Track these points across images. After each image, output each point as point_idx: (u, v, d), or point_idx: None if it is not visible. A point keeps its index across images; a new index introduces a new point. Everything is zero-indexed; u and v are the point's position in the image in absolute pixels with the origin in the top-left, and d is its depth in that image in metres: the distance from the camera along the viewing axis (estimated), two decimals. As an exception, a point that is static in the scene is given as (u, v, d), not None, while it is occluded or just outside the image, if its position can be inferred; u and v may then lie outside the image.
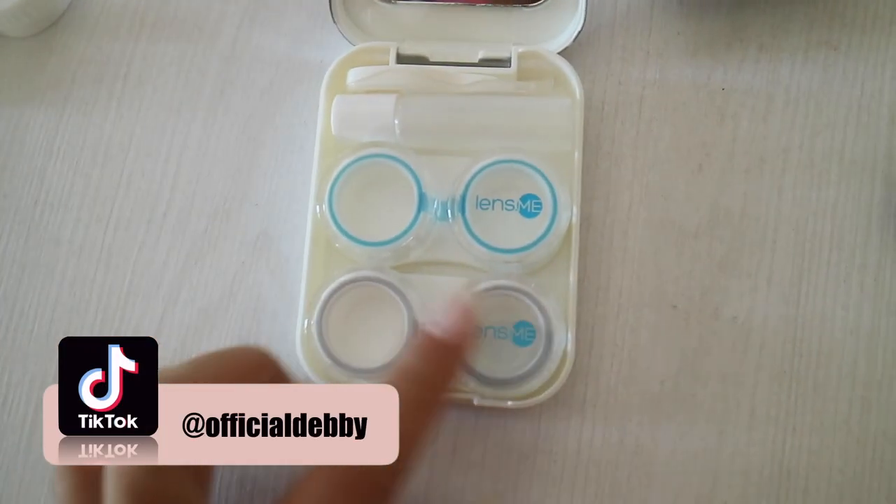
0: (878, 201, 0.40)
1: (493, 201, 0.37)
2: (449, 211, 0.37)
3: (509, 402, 0.36)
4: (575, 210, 0.37)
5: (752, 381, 0.38)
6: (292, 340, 0.38)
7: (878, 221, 0.39)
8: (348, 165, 0.37)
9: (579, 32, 0.39)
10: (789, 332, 0.39)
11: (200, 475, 0.29)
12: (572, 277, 0.37)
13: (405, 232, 0.37)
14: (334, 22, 0.40)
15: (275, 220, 0.41)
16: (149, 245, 0.41)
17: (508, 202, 0.37)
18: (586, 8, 0.39)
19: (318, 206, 0.38)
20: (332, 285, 0.37)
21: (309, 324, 0.37)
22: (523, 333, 0.37)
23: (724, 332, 0.39)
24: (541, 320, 0.36)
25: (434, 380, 0.32)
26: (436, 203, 0.37)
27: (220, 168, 0.42)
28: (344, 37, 0.40)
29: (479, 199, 0.37)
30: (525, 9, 0.40)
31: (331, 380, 0.37)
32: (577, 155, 0.38)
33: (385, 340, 0.37)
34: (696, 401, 0.38)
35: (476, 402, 0.36)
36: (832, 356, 0.38)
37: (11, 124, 0.43)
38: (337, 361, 0.36)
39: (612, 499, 0.37)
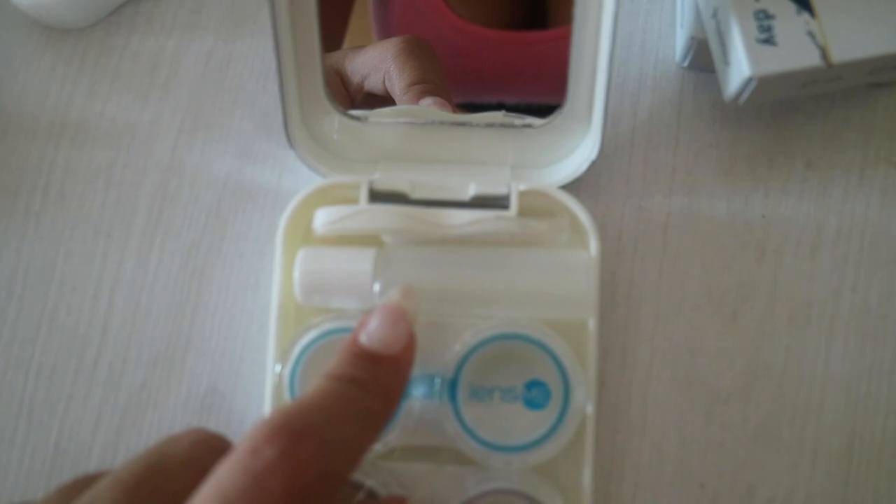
0: (944, 355, 0.33)
1: (492, 390, 0.31)
2: (436, 391, 0.30)
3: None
4: (590, 402, 0.31)
5: (790, 574, 0.32)
6: None
7: (944, 381, 0.33)
8: (314, 340, 0.31)
9: (594, 161, 0.32)
10: (834, 512, 0.33)
11: None
12: (587, 479, 0.31)
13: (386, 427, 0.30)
14: (291, 146, 0.33)
15: (226, 374, 0.35)
16: (77, 399, 0.35)
17: (509, 391, 0.31)
18: (603, 127, 0.31)
19: (279, 374, 0.31)
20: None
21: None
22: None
23: (759, 516, 0.33)
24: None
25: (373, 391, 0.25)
26: (423, 382, 0.31)
27: (160, 306, 0.35)
28: (304, 163, 0.33)
29: (475, 388, 0.31)
30: (526, 129, 0.33)
31: None
32: (593, 325, 0.31)
33: None
34: None
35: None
36: None
37: None
38: None
39: None
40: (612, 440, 0.33)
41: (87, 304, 0.35)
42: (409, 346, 0.26)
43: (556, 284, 0.31)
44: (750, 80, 0.30)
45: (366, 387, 0.24)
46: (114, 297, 0.35)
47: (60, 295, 0.36)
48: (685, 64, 0.35)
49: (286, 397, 0.31)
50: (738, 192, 0.35)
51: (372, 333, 0.26)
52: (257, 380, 0.34)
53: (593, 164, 0.32)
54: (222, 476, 0.21)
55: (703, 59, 0.34)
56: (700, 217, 0.34)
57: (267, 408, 0.32)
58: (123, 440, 0.34)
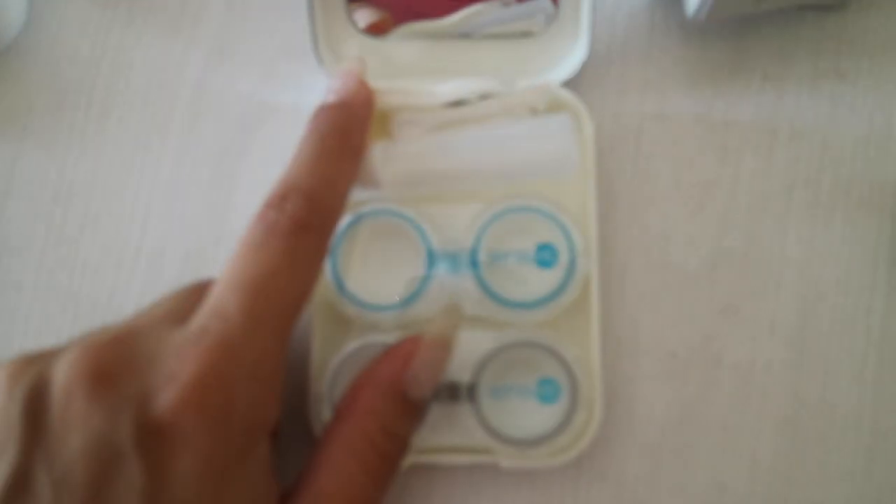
0: (885, 241, 0.38)
1: (507, 254, 0.36)
2: (460, 264, 0.35)
3: (537, 463, 0.35)
4: (593, 257, 0.36)
5: (754, 431, 0.37)
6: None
7: (885, 263, 0.38)
8: (351, 224, 0.36)
9: (584, 62, 0.37)
10: (792, 379, 0.37)
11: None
12: (595, 329, 0.36)
13: (418, 293, 0.35)
14: (320, 63, 0.37)
15: (252, 265, 0.39)
16: (120, 290, 0.39)
17: (523, 253, 0.35)
18: (590, 35, 0.36)
19: None
20: (341, 355, 0.35)
21: (318, 393, 0.35)
22: (547, 390, 0.35)
23: (725, 380, 0.37)
24: (564, 376, 0.35)
25: None
26: (445, 257, 0.35)
27: (193, 207, 0.39)
28: (330, 76, 0.37)
29: (492, 253, 0.35)
30: (524, 38, 0.38)
31: None
32: (592, 198, 0.36)
33: None
34: (697, 452, 0.37)
35: (504, 464, 0.35)
36: (836, 405, 0.37)
37: (-35, 159, 0.40)
38: None
39: (610, 560, 0.36)
40: (594, 316, 0.38)
41: (126, 207, 0.40)
42: (361, 91, 0.33)
43: (543, 142, 0.35)
44: (709, -8, 0.34)
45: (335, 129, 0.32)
46: (151, 201, 0.40)
47: (103, 200, 0.40)
48: (655, -10, 0.40)
49: (332, 286, 0.35)
50: (702, 101, 0.39)
51: (328, 91, 0.33)
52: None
53: (584, 65, 0.37)
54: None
55: (670, -16, 0.39)
56: (669, 123, 0.39)
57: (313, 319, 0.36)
58: (161, 325, 0.39)
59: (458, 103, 0.35)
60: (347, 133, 0.32)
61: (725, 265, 0.38)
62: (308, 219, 0.29)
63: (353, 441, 0.30)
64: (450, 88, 0.36)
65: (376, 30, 0.38)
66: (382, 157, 0.35)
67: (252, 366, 0.26)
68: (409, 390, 0.31)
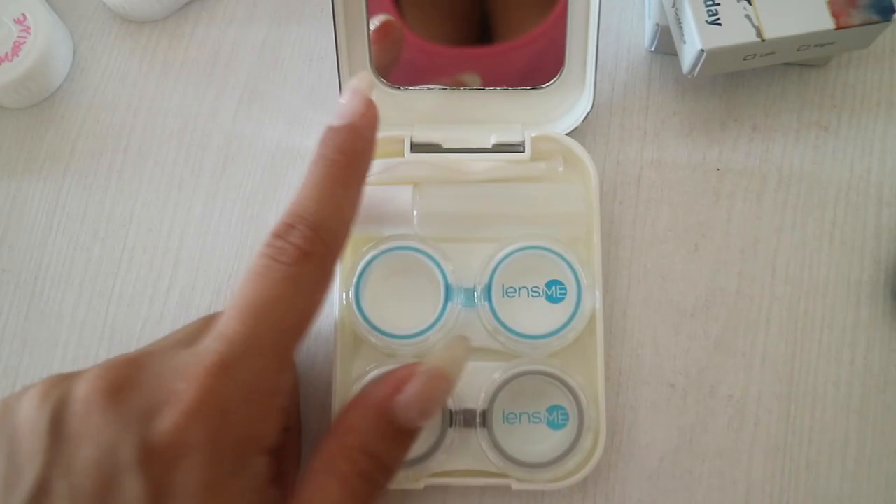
0: (867, 280, 0.41)
1: (519, 288, 0.38)
2: (476, 297, 0.38)
3: (546, 485, 0.37)
4: (598, 294, 0.38)
5: (747, 458, 0.39)
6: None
7: (866, 300, 0.41)
8: (373, 259, 0.38)
9: (588, 113, 0.40)
10: (783, 409, 0.40)
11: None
12: (600, 359, 0.38)
13: (433, 324, 0.37)
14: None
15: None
16: (152, 321, 0.42)
17: (533, 289, 0.38)
18: (594, 88, 0.40)
19: (344, 294, 0.38)
20: (362, 381, 0.37)
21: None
22: (557, 417, 0.38)
23: (719, 410, 0.40)
24: (573, 403, 0.37)
25: None
26: (461, 292, 0.38)
27: (224, 244, 0.42)
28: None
29: (505, 288, 0.38)
30: (534, 90, 0.41)
31: None
32: (596, 239, 0.39)
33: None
34: (693, 477, 0.39)
35: (514, 486, 0.37)
36: (824, 433, 0.39)
37: (10, 196, 0.43)
38: None
39: (614, 578, 0.38)
40: (598, 348, 0.40)
41: (161, 242, 0.42)
42: (367, 113, 0.33)
43: (561, 203, 0.39)
44: (701, 52, 0.38)
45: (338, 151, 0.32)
46: (184, 237, 0.42)
47: (138, 236, 0.43)
48: (652, 49, 0.43)
49: (356, 314, 0.38)
50: (697, 150, 0.42)
51: (336, 113, 0.33)
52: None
53: (588, 116, 0.40)
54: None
55: (666, 43, 0.42)
56: (666, 169, 0.42)
57: (336, 326, 0.39)
58: (192, 354, 0.41)
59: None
60: (353, 157, 0.32)
61: (719, 301, 0.41)
62: (312, 247, 0.30)
63: (333, 458, 0.31)
64: (484, 167, 0.39)
65: (385, 32, 0.41)
66: (416, 198, 0.38)
67: (249, 387, 0.28)
68: (397, 415, 0.31)
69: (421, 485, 0.37)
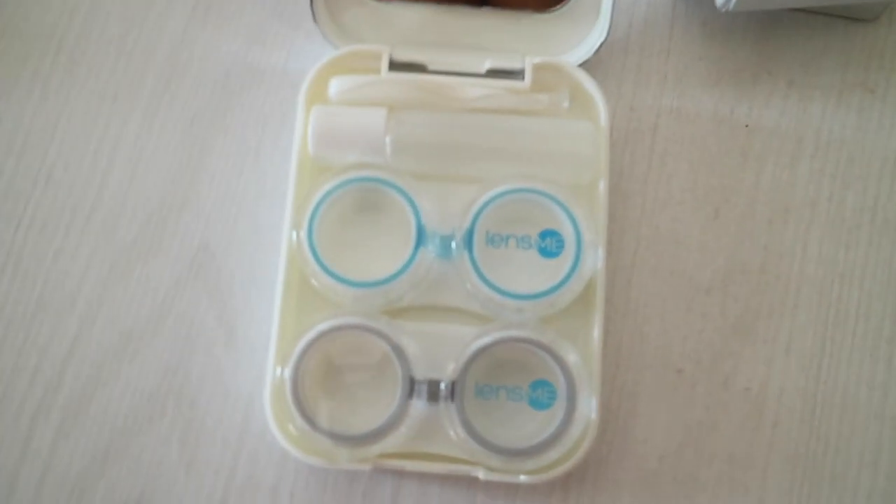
0: (912, 267, 0.35)
1: (507, 237, 0.32)
2: (453, 246, 0.31)
3: (522, 477, 0.31)
4: (601, 252, 0.32)
5: (762, 464, 0.33)
6: (229, 380, 0.33)
7: (911, 290, 0.35)
8: (333, 190, 0.32)
9: (602, 43, 0.34)
10: (807, 409, 0.34)
11: None
12: (596, 331, 0.32)
13: (401, 271, 0.31)
14: (315, 21, 0.34)
15: (219, 235, 0.35)
16: (66, 252, 0.35)
17: (524, 239, 0.32)
18: (611, 16, 0.34)
19: (294, 234, 0.32)
20: (311, 333, 0.31)
21: (281, 376, 0.31)
22: (541, 395, 0.31)
23: (734, 405, 0.34)
24: (562, 379, 0.31)
25: None
26: (437, 238, 0.31)
27: (159, 168, 0.36)
28: (325, 38, 0.34)
29: (490, 234, 0.32)
30: (539, 15, 0.35)
31: (302, 445, 0.31)
32: (603, 186, 0.33)
33: (372, 400, 0.31)
34: (698, 483, 0.33)
35: (482, 476, 0.31)
36: (853, 441, 0.33)
37: (-88, 97, 0.36)
38: (314, 425, 0.30)
39: None
40: (594, 322, 0.34)
41: (86, 161, 0.36)
42: None
43: (565, 142, 0.33)
44: (743, -25, 0.32)
45: None
46: (114, 157, 0.36)
47: (60, 153, 0.36)
48: (680, -17, 0.37)
49: (307, 255, 0.31)
50: (723, 102, 0.37)
51: None
52: (249, 241, 0.35)
53: (601, 48, 0.34)
54: None
55: (697, -23, 0.36)
56: (687, 121, 0.36)
57: (281, 270, 0.32)
58: (109, 294, 0.34)
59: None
60: None
61: (740, 279, 0.35)
62: None
63: None
64: (475, 94, 0.33)
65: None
66: (393, 122, 0.32)
67: None
68: None
69: (368, 466, 0.31)
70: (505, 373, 0.32)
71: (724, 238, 0.35)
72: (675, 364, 0.34)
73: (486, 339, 0.31)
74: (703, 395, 0.34)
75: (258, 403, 0.32)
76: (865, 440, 0.33)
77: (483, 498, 0.32)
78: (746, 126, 0.36)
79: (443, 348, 0.31)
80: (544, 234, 0.32)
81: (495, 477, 0.31)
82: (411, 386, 0.31)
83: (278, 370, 0.31)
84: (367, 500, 0.33)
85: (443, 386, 0.31)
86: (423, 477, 0.32)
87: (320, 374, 0.32)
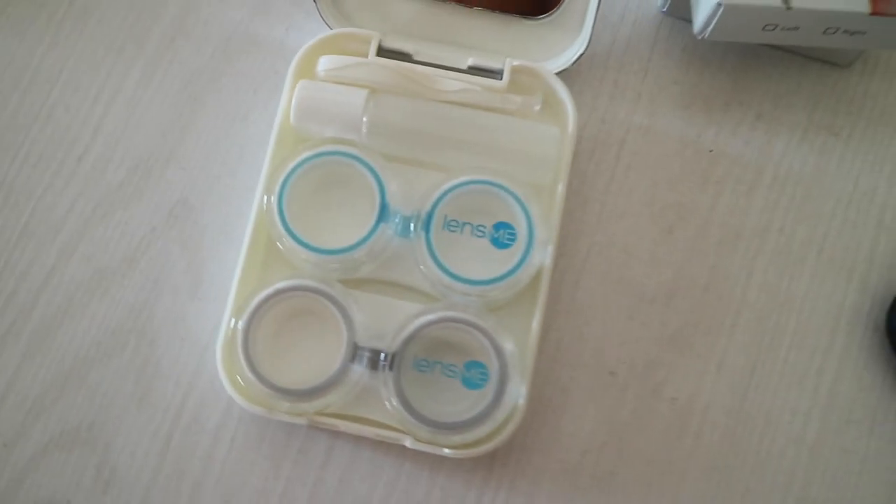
0: (850, 305, 0.36)
1: (463, 224, 0.34)
2: (412, 227, 0.33)
3: (446, 450, 0.32)
4: (550, 249, 0.33)
5: (680, 471, 0.35)
6: (189, 326, 0.35)
7: (845, 326, 0.36)
8: (307, 160, 0.34)
9: (581, 55, 0.36)
10: (730, 426, 0.35)
11: None
12: (535, 323, 0.34)
13: (360, 242, 0.33)
14: (317, 6, 0.36)
15: (198, 190, 0.37)
16: (55, 188, 0.37)
17: (479, 227, 0.34)
18: (592, 30, 0.35)
19: (266, 198, 0.34)
20: (268, 290, 0.33)
21: (234, 328, 0.33)
22: (474, 375, 0.33)
23: (660, 412, 0.35)
24: (496, 363, 0.32)
25: None
26: (398, 216, 0.33)
27: (152, 121, 0.38)
28: (322, 18, 0.36)
29: (448, 220, 0.34)
30: (525, 21, 0.37)
31: (247, 394, 0.33)
32: (561, 189, 0.34)
33: (317, 360, 0.33)
34: (616, 481, 0.34)
35: (409, 444, 0.32)
36: (769, 462, 0.35)
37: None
38: (260, 377, 0.32)
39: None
40: (539, 316, 0.36)
41: (85, 105, 0.38)
42: None
43: (532, 143, 0.34)
44: (718, 6, 0.34)
45: None
46: (111, 105, 0.38)
47: (62, 94, 0.38)
48: (664, 10, 0.39)
49: (275, 218, 0.33)
50: (692, 126, 0.38)
51: None
52: (226, 199, 0.37)
53: (579, 59, 0.36)
54: None
55: (680, 5, 0.38)
56: (655, 139, 0.38)
57: (249, 230, 0.34)
58: (90, 231, 0.37)
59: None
60: None
61: (684, 293, 0.36)
62: None
63: None
64: (453, 87, 0.35)
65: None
66: (372, 103, 0.34)
67: None
68: None
69: (304, 421, 0.33)
70: (443, 350, 0.33)
71: (675, 254, 0.37)
72: (610, 366, 0.36)
73: (430, 317, 0.33)
74: (631, 399, 0.35)
75: (211, 351, 0.34)
76: (781, 463, 0.35)
77: (410, 467, 0.34)
78: (711, 151, 0.38)
79: (389, 321, 0.33)
80: (499, 226, 0.34)
81: (421, 447, 0.33)
82: (354, 351, 0.32)
83: (233, 322, 0.33)
84: (302, 455, 0.34)
85: (383, 355, 0.32)
86: (357, 441, 0.34)
87: (272, 330, 0.33)
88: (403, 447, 0.33)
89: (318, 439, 0.34)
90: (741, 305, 0.36)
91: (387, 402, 0.32)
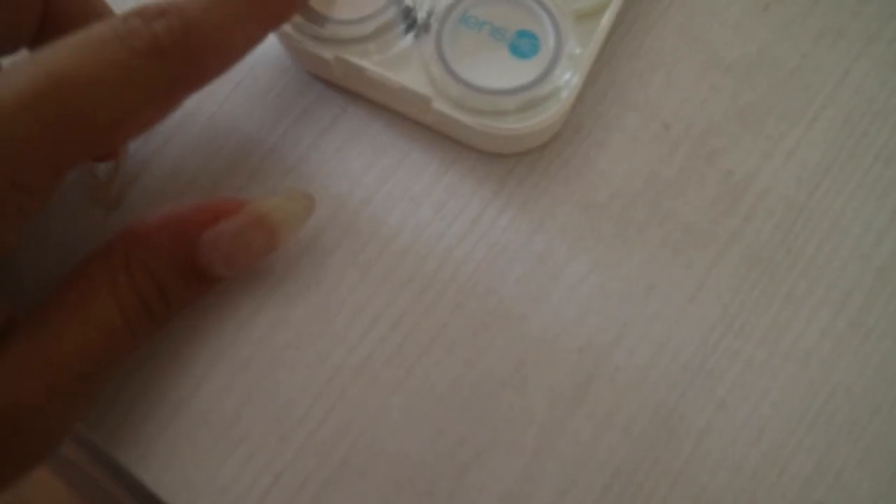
0: None
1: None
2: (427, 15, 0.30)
3: (468, 119, 0.28)
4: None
5: (717, 248, 0.30)
6: None
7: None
8: None
9: None
10: (788, 219, 0.30)
11: None
12: (605, 20, 0.30)
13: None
14: None
15: None
16: None
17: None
18: None
19: None
20: None
21: None
22: (524, 44, 0.29)
23: (710, 181, 0.31)
24: (552, 38, 0.29)
25: None
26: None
27: None
28: None
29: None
30: None
31: None
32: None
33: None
34: (641, 236, 0.30)
35: (435, 106, 0.29)
36: (825, 272, 0.30)
37: None
38: None
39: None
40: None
41: None
42: None
43: None
44: None
45: None
46: None
47: None
48: None
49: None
50: None
51: None
52: None
53: None
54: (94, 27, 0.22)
55: None
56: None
57: None
58: None
59: None
60: None
61: (767, 72, 0.32)
62: (172, 48, 0.23)
63: (115, 263, 0.25)
64: None
65: None
66: None
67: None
68: (199, 250, 0.26)
69: (329, 55, 0.29)
70: (496, 13, 0.30)
71: (764, 31, 0.33)
72: (665, 119, 0.31)
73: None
74: (681, 159, 0.31)
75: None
76: (839, 277, 0.30)
77: (417, 156, 0.30)
78: None
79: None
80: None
81: (446, 109, 0.29)
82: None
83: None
84: (306, 116, 0.31)
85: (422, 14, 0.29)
86: (367, 115, 0.31)
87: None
88: (415, 132, 0.30)
89: (328, 105, 0.31)
90: (828, 101, 0.32)
91: (424, 56, 0.29)
